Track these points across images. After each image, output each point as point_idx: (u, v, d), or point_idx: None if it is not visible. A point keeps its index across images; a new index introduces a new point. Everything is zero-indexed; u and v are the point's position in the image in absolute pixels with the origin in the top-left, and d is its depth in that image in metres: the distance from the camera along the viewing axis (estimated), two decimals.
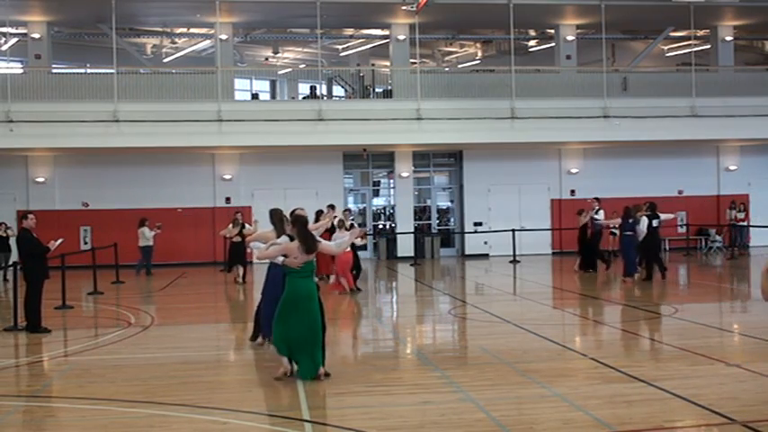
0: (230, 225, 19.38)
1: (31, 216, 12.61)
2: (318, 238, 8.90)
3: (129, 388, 8.28)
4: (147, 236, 21.87)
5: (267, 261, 9.82)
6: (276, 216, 9.89)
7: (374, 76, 27.74)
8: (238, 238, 18.81)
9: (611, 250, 22.70)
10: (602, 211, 20.13)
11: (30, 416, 7.55)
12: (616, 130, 24.32)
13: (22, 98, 22.51)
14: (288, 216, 9.26)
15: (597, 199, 20.93)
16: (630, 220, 17.94)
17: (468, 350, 10.82)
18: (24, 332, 12.17)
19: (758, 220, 26.72)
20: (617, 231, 25.31)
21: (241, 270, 19.26)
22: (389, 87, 26.47)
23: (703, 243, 27.53)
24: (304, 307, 8.37)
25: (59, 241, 12.64)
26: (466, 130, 23.80)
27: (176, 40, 31.73)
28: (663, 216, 18.29)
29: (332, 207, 18.74)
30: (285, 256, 8.48)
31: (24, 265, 12.43)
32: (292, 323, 8.34)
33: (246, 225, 18.59)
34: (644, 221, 17.78)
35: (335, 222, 16.49)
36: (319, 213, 18.08)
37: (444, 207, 28.82)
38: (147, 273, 21.93)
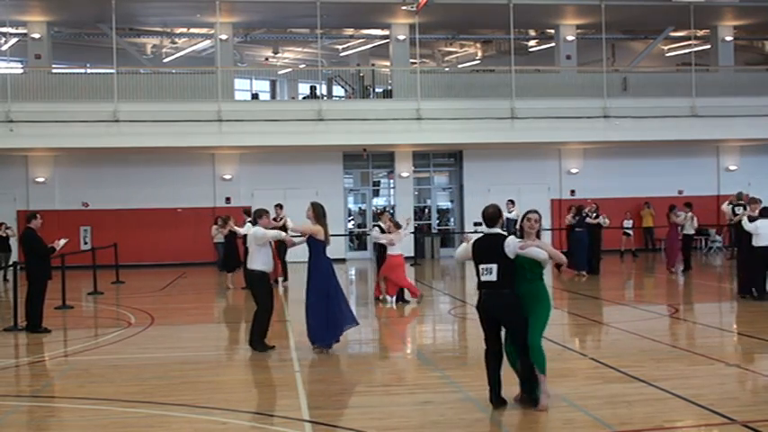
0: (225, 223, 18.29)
1: (39, 216, 12.63)
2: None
3: (128, 388, 8.28)
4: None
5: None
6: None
7: (374, 76, 27.71)
8: (221, 238, 19.33)
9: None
10: (514, 212, 20.29)
11: (30, 416, 7.56)
12: (616, 130, 24.29)
13: (22, 98, 22.48)
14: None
15: (512, 201, 21.04)
16: (577, 218, 19.79)
17: (468, 350, 10.82)
18: (24, 332, 12.18)
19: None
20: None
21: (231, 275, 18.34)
22: (389, 87, 26.46)
23: (703, 243, 27.52)
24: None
25: (64, 241, 12.63)
26: (466, 130, 23.77)
27: (176, 40, 31.73)
28: (600, 219, 20.19)
29: (280, 206, 18.68)
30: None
31: (28, 265, 12.43)
32: None
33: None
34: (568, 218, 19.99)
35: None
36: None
37: (444, 207, 28.81)
38: (220, 269, 21.57)
